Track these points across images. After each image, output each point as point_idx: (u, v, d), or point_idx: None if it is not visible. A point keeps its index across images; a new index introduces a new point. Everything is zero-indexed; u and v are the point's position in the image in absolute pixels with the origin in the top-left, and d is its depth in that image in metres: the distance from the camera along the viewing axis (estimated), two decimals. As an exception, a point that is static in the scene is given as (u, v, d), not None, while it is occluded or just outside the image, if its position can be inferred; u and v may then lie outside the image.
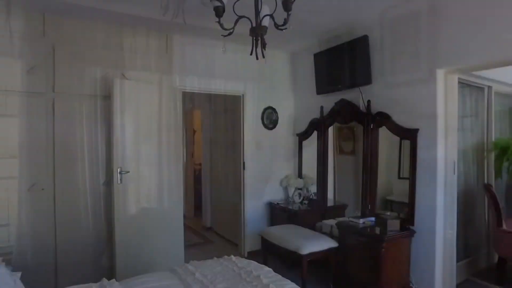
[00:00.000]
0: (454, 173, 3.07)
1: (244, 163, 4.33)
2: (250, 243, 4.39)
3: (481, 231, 4.03)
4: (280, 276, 2.02)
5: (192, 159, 6.80)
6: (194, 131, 7.11)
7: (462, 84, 3.73)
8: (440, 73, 2.95)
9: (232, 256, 2.37)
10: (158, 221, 3.55)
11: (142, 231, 3.42)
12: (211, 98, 5.53)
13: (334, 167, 4.46)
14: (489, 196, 3.53)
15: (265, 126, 4.46)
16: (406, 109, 3.15)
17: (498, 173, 4.00)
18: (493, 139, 4.06)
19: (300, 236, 3.28)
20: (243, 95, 4.32)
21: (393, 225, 2.94)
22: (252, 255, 4.30)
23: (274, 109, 4.51)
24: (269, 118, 4.49)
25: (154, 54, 3.67)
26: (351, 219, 3.31)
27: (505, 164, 3.89)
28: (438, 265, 3.01)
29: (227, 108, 5.01)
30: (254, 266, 2.14)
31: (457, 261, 3.63)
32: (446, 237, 3.05)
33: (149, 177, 3.52)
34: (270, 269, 2.11)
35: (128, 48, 3.51)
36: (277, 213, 4.33)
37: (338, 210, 4.17)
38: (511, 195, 4.21)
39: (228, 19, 1.85)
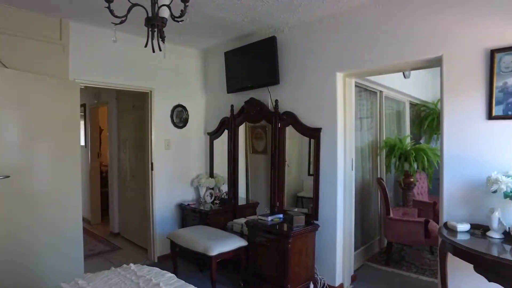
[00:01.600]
0: (352, 169, 3.34)
1: (152, 163, 4.10)
2: (161, 247, 4.18)
3: (375, 220, 4.49)
4: (182, 281, 1.92)
5: (99, 160, 6.23)
6: (101, 130, 6.54)
7: (360, 88, 4.09)
8: (339, 76, 3.18)
9: (132, 264, 2.19)
10: (50, 231, 3.12)
11: (30, 246, 2.97)
12: (118, 94, 5.13)
13: (247, 166, 4.50)
14: (380, 189, 3.94)
15: (175, 125, 4.29)
16: (310, 109, 3.32)
17: (388, 168, 4.49)
18: (384, 138, 4.55)
19: (209, 237, 3.22)
20: (151, 91, 4.08)
21: (299, 221, 3.07)
22: (162, 260, 4.10)
23: (184, 107, 4.36)
24: (179, 117, 4.33)
25: (44, 41, 3.23)
26: (260, 217, 3.36)
27: (393, 160, 4.39)
28: (338, 255, 3.24)
29: (135, 105, 4.69)
30: (155, 273, 2.01)
31: (356, 249, 3.98)
32: (346, 228, 3.30)
33: (39, 181, 3.08)
34: (173, 275, 2.00)
35: (11, 31, 3.02)
36: (188, 215, 4.20)
37: (250, 208, 4.22)
38: (398, 188, 4.78)
39: (126, 7, 1.68)
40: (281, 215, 3.36)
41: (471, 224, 2.34)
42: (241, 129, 4.28)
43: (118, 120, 5.22)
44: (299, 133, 3.39)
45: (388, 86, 4.41)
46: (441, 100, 2.59)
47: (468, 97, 2.43)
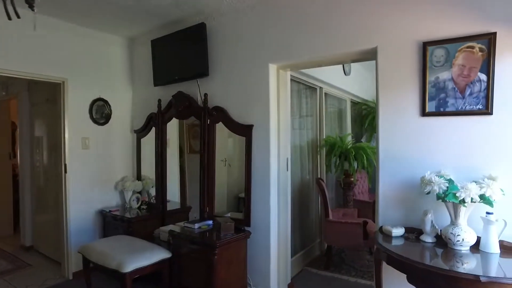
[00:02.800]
0: (288, 170, 3.10)
1: (66, 165, 3.54)
2: (77, 262, 3.62)
3: (316, 222, 4.32)
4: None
5: (11, 161, 5.43)
6: (15, 127, 5.71)
7: (299, 83, 3.88)
8: (272, 68, 2.91)
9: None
10: None
11: None
12: (30, 85, 4.45)
13: (182, 167, 4.10)
14: (319, 189, 3.76)
15: (95, 121, 3.76)
16: (242, 104, 3.02)
17: (328, 168, 4.35)
18: (324, 137, 4.40)
19: (126, 250, 2.79)
20: (63, 82, 3.52)
21: (227, 228, 2.75)
22: (79, 276, 3.56)
23: (106, 102, 3.85)
24: (100, 112, 3.81)
25: None
26: (186, 224, 3.00)
27: (333, 159, 4.25)
28: (273, 262, 2.98)
29: (48, 99, 4.07)
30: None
31: (295, 253, 3.76)
32: (281, 234, 3.05)
33: None
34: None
35: None
36: (110, 223, 3.71)
37: (182, 213, 3.83)
38: (338, 187, 4.66)
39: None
40: (210, 222, 3.02)
41: (406, 228, 2.18)
42: (176, 127, 3.88)
43: (31, 116, 4.53)
44: (230, 130, 3.08)
45: (328, 83, 4.26)
46: (376, 95, 2.41)
47: (402, 92, 2.27)
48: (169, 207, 3.85)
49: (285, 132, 3.06)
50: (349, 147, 4.38)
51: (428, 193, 1.99)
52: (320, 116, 4.37)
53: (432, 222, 2.05)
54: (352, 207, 4.40)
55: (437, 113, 2.14)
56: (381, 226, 2.26)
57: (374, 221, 4.01)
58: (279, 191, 2.99)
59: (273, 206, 2.92)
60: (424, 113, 2.18)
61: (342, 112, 5.32)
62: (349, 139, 4.68)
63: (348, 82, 4.88)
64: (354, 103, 5.83)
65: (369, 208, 4.57)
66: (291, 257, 3.43)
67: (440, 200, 1.94)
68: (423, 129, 2.20)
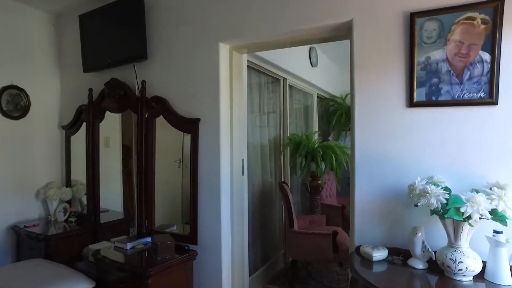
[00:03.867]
0: (243, 174, 2.56)
1: (-36, 170, 2.78)
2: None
3: (280, 232, 3.82)
4: None
5: None
6: None
7: (259, 72, 3.36)
8: (224, 49, 2.35)
9: None
10: None
11: None
12: None
13: (128, 170, 3.44)
14: (282, 195, 3.26)
15: (6, 114, 3.01)
16: (187, 93, 2.44)
17: (293, 170, 3.87)
18: (288, 134, 3.92)
19: (33, 283, 2.12)
20: (-41, 64, 2.76)
21: (166, 250, 2.16)
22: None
23: (22, 90, 3.10)
24: (14, 103, 3.06)
25: None
26: (117, 243, 2.38)
27: (299, 160, 3.77)
28: (225, 285, 2.43)
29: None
30: None
31: (255, 270, 3.24)
32: (236, 250, 2.51)
33: None
34: None
35: None
36: (25, 242, 2.98)
37: (123, 225, 3.18)
38: (304, 191, 4.20)
39: None
40: (149, 239, 2.42)
41: (389, 248, 1.71)
42: (118, 122, 3.23)
43: None
44: (172, 126, 2.49)
45: (293, 73, 3.77)
46: (351, 82, 1.93)
47: (384, 77, 1.80)
48: (108, 218, 3.19)
49: (240, 128, 2.52)
50: (316, 146, 3.92)
51: (416, 205, 1.54)
52: (284, 112, 3.88)
53: (423, 243, 1.59)
54: (320, 213, 3.95)
55: (428, 103, 1.69)
56: (358, 246, 1.78)
57: (343, 229, 3.60)
58: (233, 199, 2.44)
59: (225, 218, 2.37)
60: (411, 103, 1.72)
61: (309, 108, 4.87)
62: (316, 137, 4.23)
63: (315, 75, 4.44)
64: (321, 99, 5.41)
65: (338, 213, 4.16)
66: (250, 275, 2.91)
67: (435, 215, 1.48)
68: (410, 124, 1.74)
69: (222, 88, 2.32)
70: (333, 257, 3.04)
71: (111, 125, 3.21)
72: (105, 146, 3.31)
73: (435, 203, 1.40)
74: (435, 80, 1.67)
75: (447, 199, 1.41)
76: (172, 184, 2.95)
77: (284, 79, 3.77)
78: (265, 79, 3.51)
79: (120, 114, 3.07)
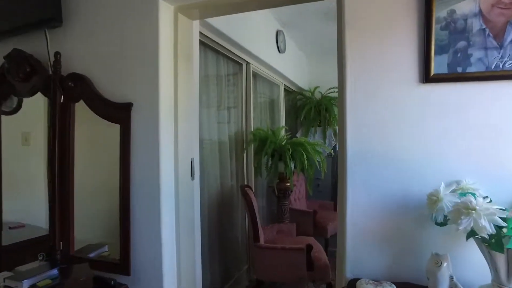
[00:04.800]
0: (194, 177, 1.94)
1: None
2: None
3: (242, 244, 3.24)
4: None
5: None
6: None
7: (217, 52, 2.77)
8: (165, 9, 1.73)
9: None
10: None
11: None
12: None
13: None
14: (245, 202, 2.68)
15: None
16: (116, 70, 1.79)
17: (257, 170, 3.31)
18: (252, 129, 3.36)
19: None
20: None
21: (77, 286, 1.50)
22: None
23: None
24: None
25: None
26: (8, 280, 1.67)
27: (264, 159, 3.22)
28: (172, 326, 1.81)
29: None
30: None
31: (211, 294, 2.65)
32: (184, 277, 1.89)
33: None
34: None
35: None
36: None
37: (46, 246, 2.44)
38: (271, 196, 3.66)
39: None
40: (55, 271, 1.74)
41: (397, 284, 1.20)
42: (42, 112, 2.46)
43: None
44: (96, 113, 1.82)
45: (258, 57, 3.20)
46: (339, 50, 1.40)
47: (388, 41, 1.28)
48: (22, 236, 2.43)
49: (190, 119, 1.91)
50: (284, 143, 3.39)
51: (442, 224, 1.03)
52: (247, 103, 3.31)
53: (451, 279, 1.08)
54: (289, 220, 3.43)
55: (452, 77, 1.19)
56: (353, 281, 1.25)
57: (316, 237, 3.11)
58: (180, 210, 1.82)
59: (167, 236, 1.75)
60: (427, 77, 1.21)
61: (275, 102, 4.34)
62: (283, 132, 3.71)
63: (282, 62, 3.91)
64: (288, 92, 4.91)
65: (309, 219, 3.66)
66: (205, 304, 2.31)
67: (472, 239, 0.98)
68: (425, 107, 1.23)
69: (163, 64, 1.70)
70: (308, 276, 2.51)
71: (34, 117, 2.47)
72: (24, 143, 2.56)
73: (487, 226, 0.89)
74: (462, 43, 1.17)
75: (505, 220, 0.90)
76: (109, 191, 2.27)
77: (248, 64, 3.20)
78: (224, 63, 2.91)
79: (46, 102, 2.33)
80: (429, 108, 1.22)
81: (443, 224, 1.08)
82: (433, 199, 1.09)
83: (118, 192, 1.80)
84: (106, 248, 2.05)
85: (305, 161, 3.18)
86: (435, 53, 1.19)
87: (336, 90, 5.16)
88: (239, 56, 3.00)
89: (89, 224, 2.13)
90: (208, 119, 2.74)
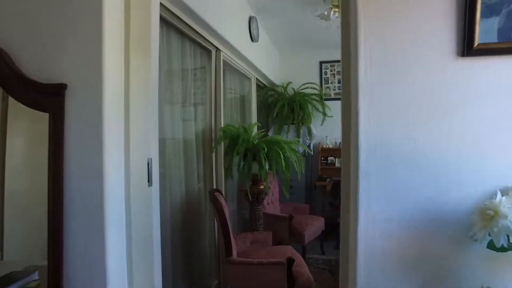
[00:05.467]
0: (151, 183, 1.53)
1: None
2: None
3: (211, 258, 2.84)
4: None
5: None
6: None
7: (180, 32, 2.36)
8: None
9: None
10: None
11: None
12: None
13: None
14: (215, 209, 2.29)
15: None
16: (43, 39, 1.33)
17: (228, 172, 2.93)
18: (222, 124, 2.97)
19: None
20: None
21: None
22: None
23: None
24: None
25: None
26: None
27: (236, 159, 2.85)
28: None
29: None
30: None
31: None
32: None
33: None
34: None
35: None
36: None
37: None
38: (243, 200, 3.28)
39: None
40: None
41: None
42: None
43: None
44: (14, 97, 1.36)
45: (229, 43, 2.82)
46: (345, 14, 1.06)
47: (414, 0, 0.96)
48: None
49: (146, 110, 1.50)
50: (257, 141, 3.04)
51: (502, 249, 0.72)
52: (216, 95, 2.91)
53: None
54: (263, 227, 3.08)
55: (504, 47, 0.89)
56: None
57: (292, 245, 2.79)
58: (132, 227, 1.40)
59: (114, 262, 1.33)
60: (469, 48, 0.91)
61: (246, 97, 3.98)
62: (255, 130, 3.36)
63: (255, 53, 3.56)
64: (259, 87, 4.57)
65: (284, 225, 3.34)
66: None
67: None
68: (465, 89, 0.93)
69: (110, 38, 1.28)
70: (288, 295, 2.17)
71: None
72: None
73: None
74: (517, 3, 0.87)
75: None
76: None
77: (218, 50, 2.81)
78: (191, 48, 2.50)
79: None
80: (471, 90, 0.91)
81: (505, 249, 0.77)
82: (489, 214, 0.78)
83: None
84: (36, 276, 1.58)
85: (282, 162, 2.84)
86: (481, 16, 0.89)
87: (311, 86, 4.93)
88: (208, 41, 2.60)
89: (22, 243, 1.66)
90: (171, 113, 2.32)
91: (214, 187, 2.84)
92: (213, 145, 2.84)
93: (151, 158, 1.49)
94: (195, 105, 2.71)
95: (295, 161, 3.01)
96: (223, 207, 2.27)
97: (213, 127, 2.90)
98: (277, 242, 3.15)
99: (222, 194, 2.59)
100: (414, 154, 0.94)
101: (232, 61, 3.16)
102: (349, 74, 1.03)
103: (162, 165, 2.18)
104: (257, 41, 3.48)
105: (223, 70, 2.98)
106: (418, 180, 0.94)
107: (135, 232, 1.37)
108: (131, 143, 1.35)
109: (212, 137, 2.90)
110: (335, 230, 4.37)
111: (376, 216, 0.97)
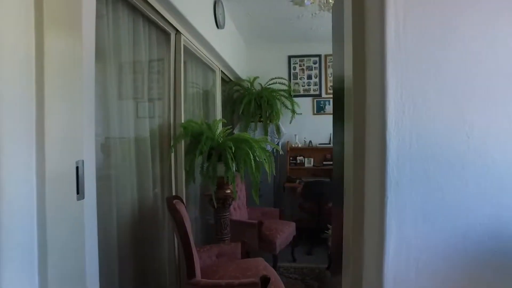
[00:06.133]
0: (82, 195, 1.12)
1: None
2: None
3: (171, 278, 2.43)
4: None
5: None
6: None
7: (132, 7, 1.95)
8: None
9: None
10: None
11: None
12: None
13: None
14: (174, 221, 1.90)
15: None
16: None
17: (190, 175, 2.54)
18: (183, 120, 2.58)
19: None
20: None
21: None
22: None
23: None
24: None
25: None
26: None
27: (198, 160, 2.48)
28: None
29: None
30: None
31: None
32: None
33: None
34: None
35: None
36: None
37: None
38: (206, 206, 2.90)
39: None
40: None
41: None
42: None
43: None
44: None
45: (191, 25, 2.43)
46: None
47: None
48: None
49: (74, 95, 1.09)
50: (221, 140, 2.68)
51: None
52: (176, 87, 2.51)
53: None
54: (229, 237, 2.73)
55: None
56: None
57: (263, 255, 2.47)
58: (48, 266, 0.98)
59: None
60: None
61: (209, 92, 3.60)
62: (220, 126, 3.00)
63: (220, 41, 3.19)
64: (224, 81, 4.21)
65: (254, 233, 3.01)
66: None
67: None
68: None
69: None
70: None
71: None
72: None
73: None
74: None
75: None
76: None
77: (178, 33, 2.41)
78: (145, 28, 2.09)
79: None
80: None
81: None
82: None
83: None
84: None
85: (252, 162, 2.51)
86: None
87: (279, 81, 4.64)
88: (166, 21, 2.20)
89: None
90: (120, 108, 1.90)
91: (174, 192, 2.45)
92: (172, 144, 2.44)
93: (82, 161, 1.09)
94: (150, 99, 2.30)
95: (265, 159, 2.69)
96: (184, 218, 1.89)
97: (172, 123, 2.50)
98: (246, 252, 2.81)
99: (182, 202, 2.20)
100: (468, 153, 0.65)
101: (195, 47, 2.78)
102: (361, 45, 0.71)
103: (107, 168, 1.77)
104: (222, 27, 3.12)
105: (184, 60, 2.58)
106: (473, 192, 0.65)
107: (56, 271, 0.96)
108: (48, 142, 0.94)
109: (171, 135, 2.49)
110: (306, 234, 4.13)
111: (411, 242, 0.67)
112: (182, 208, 1.98)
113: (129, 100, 2.03)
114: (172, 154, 2.43)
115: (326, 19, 3.75)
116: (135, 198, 2.01)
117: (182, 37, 2.44)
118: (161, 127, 2.41)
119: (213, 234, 2.77)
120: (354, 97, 0.77)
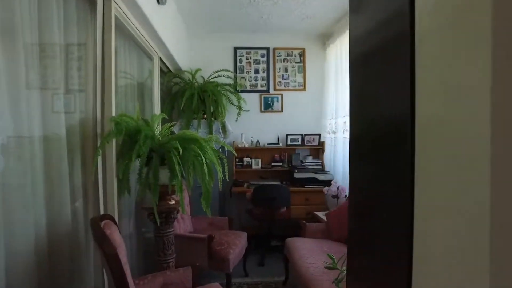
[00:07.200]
0: None
1: None
2: None
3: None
4: None
5: None
6: None
7: None
8: None
9: None
10: None
11: None
12: None
13: None
14: (102, 252, 1.36)
15: None
16: None
17: (124, 185, 1.98)
18: (114, 115, 2.01)
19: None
20: None
21: None
22: None
23: None
24: None
25: None
26: None
27: (135, 164, 1.95)
28: None
29: None
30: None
31: None
32: None
33: None
34: None
35: None
36: None
37: None
38: (145, 221, 2.35)
39: None
40: None
41: None
42: None
43: None
44: None
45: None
46: None
47: None
48: None
49: None
50: (164, 140, 2.17)
51: None
52: (104, 72, 1.94)
53: None
54: (174, 258, 2.23)
55: None
56: None
57: (219, 281, 2.04)
58: None
59: None
60: None
61: (145, 86, 3.02)
62: (160, 124, 2.47)
63: (160, 20, 2.64)
64: (162, 72, 3.64)
65: (203, 250, 2.54)
66: None
67: None
68: None
69: None
70: None
71: None
72: None
73: None
74: None
75: None
76: None
77: (107, 1, 1.84)
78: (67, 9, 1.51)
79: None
80: None
81: None
82: None
83: None
84: None
85: (205, 167, 2.05)
86: None
87: (224, 74, 4.19)
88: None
89: None
90: (23, 100, 1.31)
91: (102, 208, 1.87)
92: (99, 144, 1.87)
93: None
94: (69, 89, 1.71)
95: (217, 163, 2.25)
96: (118, 248, 1.36)
97: (99, 119, 1.92)
98: (194, 273, 2.33)
99: (114, 221, 1.65)
100: None
101: (129, 22, 2.21)
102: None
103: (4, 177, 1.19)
104: (164, 3, 2.58)
105: (116, 44, 2.01)
106: None
107: None
108: None
109: (97, 134, 1.92)
110: (255, 242, 3.76)
111: None
112: (114, 233, 1.45)
113: (37, 90, 1.44)
114: (99, 158, 1.85)
115: (282, 7, 3.42)
116: (42, 219, 1.42)
117: (113, 4, 1.88)
118: (83, 124, 1.82)
119: (154, 256, 2.24)
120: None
